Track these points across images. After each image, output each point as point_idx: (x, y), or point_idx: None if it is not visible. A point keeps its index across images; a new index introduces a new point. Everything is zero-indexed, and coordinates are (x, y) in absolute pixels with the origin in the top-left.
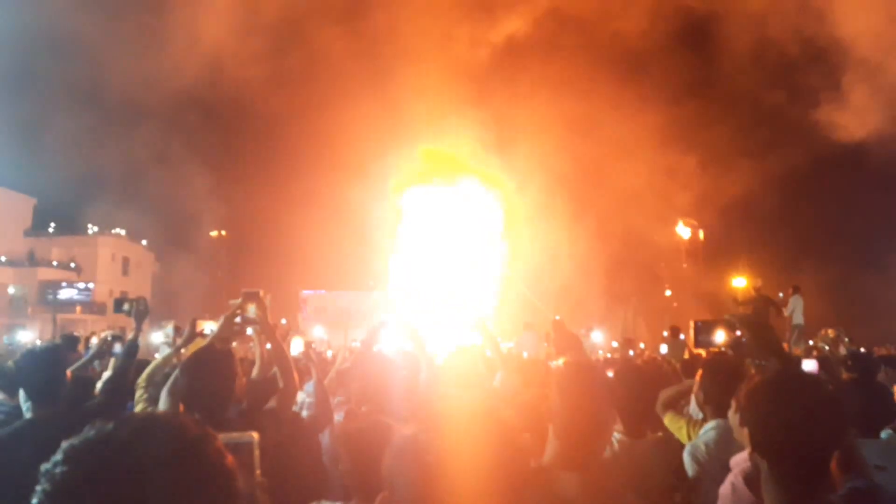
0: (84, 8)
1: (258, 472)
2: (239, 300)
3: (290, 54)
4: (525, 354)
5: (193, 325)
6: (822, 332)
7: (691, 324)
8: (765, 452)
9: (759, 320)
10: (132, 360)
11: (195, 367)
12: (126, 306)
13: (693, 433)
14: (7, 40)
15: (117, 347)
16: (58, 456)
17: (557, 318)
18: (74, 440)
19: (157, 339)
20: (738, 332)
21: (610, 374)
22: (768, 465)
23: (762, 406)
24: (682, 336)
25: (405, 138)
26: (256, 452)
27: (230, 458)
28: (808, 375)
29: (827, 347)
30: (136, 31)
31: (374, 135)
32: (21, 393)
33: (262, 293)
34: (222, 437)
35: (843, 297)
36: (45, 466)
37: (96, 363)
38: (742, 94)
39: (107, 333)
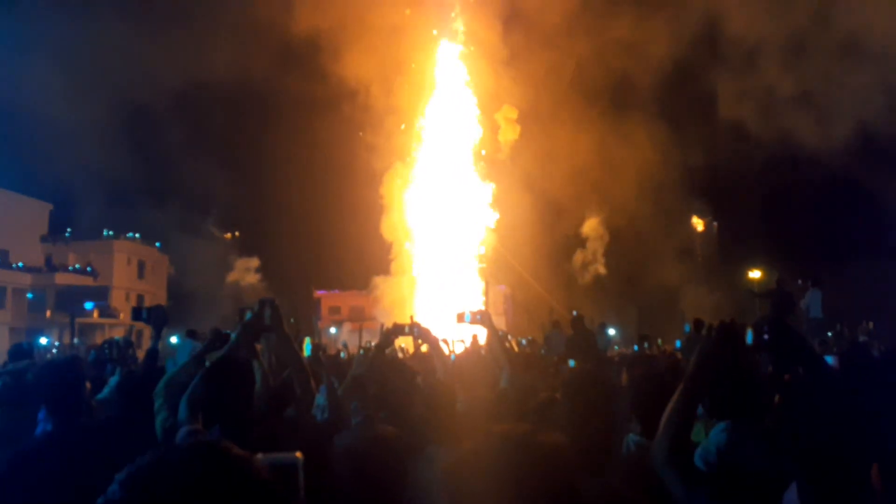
0: (101, 15)
1: (302, 493)
2: (255, 308)
3: (305, 57)
4: (542, 352)
5: (216, 335)
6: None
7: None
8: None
9: (789, 326)
10: (153, 369)
11: (215, 376)
12: (144, 314)
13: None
14: (24, 46)
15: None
16: (114, 485)
17: (575, 313)
18: (131, 468)
19: (173, 341)
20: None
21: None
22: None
23: (800, 417)
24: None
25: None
26: (301, 475)
27: (275, 481)
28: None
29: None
30: (152, 37)
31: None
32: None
33: (276, 300)
34: (267, 458)
35: (864, 289)
36: (101, 498)
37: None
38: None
39: (117, 339)
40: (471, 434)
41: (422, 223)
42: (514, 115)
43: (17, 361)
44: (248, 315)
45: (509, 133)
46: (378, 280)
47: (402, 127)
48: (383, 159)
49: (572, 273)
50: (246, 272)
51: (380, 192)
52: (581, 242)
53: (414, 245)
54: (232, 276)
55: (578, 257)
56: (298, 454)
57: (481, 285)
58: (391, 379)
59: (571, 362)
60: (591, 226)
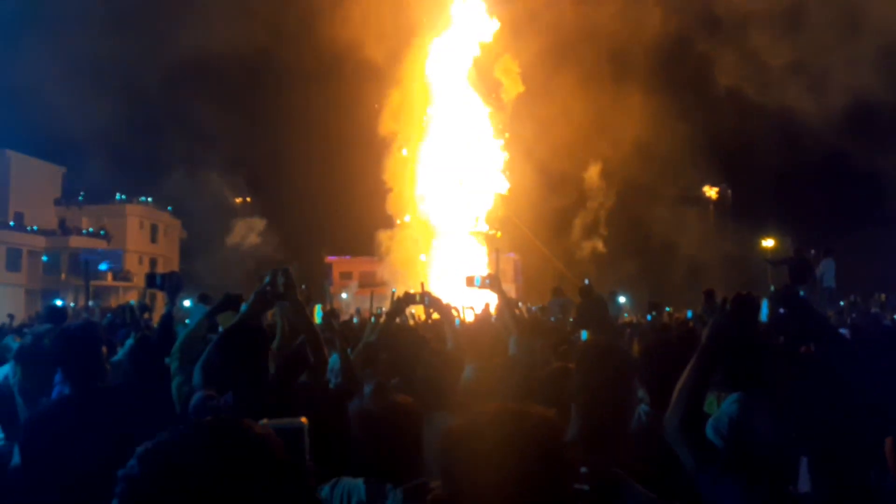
0: None
1: (308, 457)
2: (268, 276)
3: (318, 21)
4: (552, 319)
5: (228, 297)
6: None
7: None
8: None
9: (805, 299)
10: (169, 335)
11: (229, 344)
12: (159, 280)
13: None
14: (36, 12)
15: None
16: (133, 460)
17: (587, 282)
18: (149, 444)
19: (186, 304)
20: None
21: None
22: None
23: (813, 390)
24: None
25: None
26: (306, 440)
27: (292, 460)
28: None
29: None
30: (163, 1)
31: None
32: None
33: (290, 268)
34: (271, 423)
35: (878, 259)
36: (121, 470)
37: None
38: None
39: (132, 303)
40: (478, 402)
41: (431, 190)
42: (515, 68)
43: (52, 321)
44: (271, 277)
45: (512, 89)
46: (383, 236)
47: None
48: (392, 125)
49: (580, 241)
50: (248, 232)
51: (385, 164)
52: (589, 210)
53: (422, 212)
54: (233, 238)
55: (581, 222)
56: (304, 419)
57: (490, 252)
58: (402, 346)
59: (584, 334)
60: (598, 190)
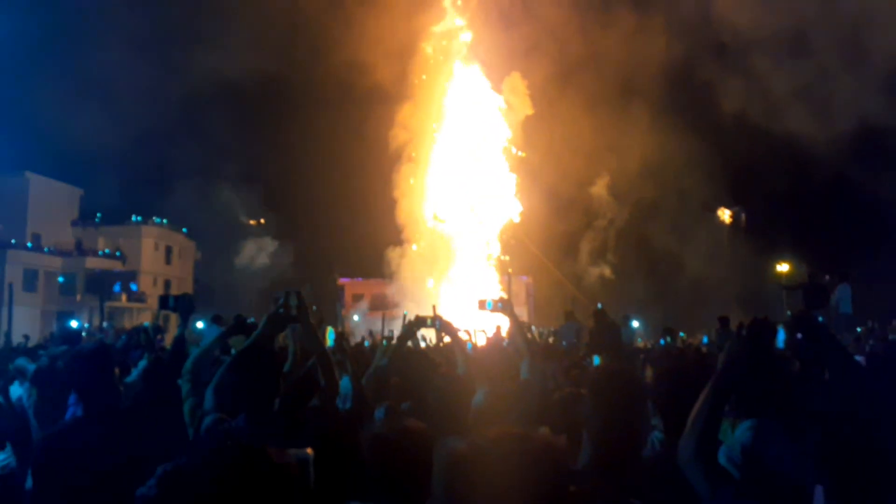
0: (132, 2)
1: (312, 486)
2: (280, 297)
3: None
4: (564, 344)
5: (239, 320)
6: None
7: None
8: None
9: (822, 324)
10: (181, 357)
11: (241, 366)
12: (171, 302)
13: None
14: (53, 35)
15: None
16: (152, 481)
17: (600, 306)
18: (168, 466)
19: (199, 326)
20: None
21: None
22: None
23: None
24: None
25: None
26: (311, 469)
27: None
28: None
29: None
30: (179, 25)
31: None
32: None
33: (302, 290)
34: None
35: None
36: (140, 490)
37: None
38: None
39: (146, 324)
40: (489, 426)
41: (442, 212)
42: (524, 90)
43: (67, 342)
44: (283, 300)
45: (521, 111)
46: (393, 254)
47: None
48: (404, 143)
49: (587, 266)
50: (258, 252)
51: (396, 183)
52: (599, 232)
53: (433, 235)
54: (241, 259)
55: (592, 246)
56: (309, 450)
57: (502, 275)
58: (413, 370)
59: (596, 359)
60: (609, 212)
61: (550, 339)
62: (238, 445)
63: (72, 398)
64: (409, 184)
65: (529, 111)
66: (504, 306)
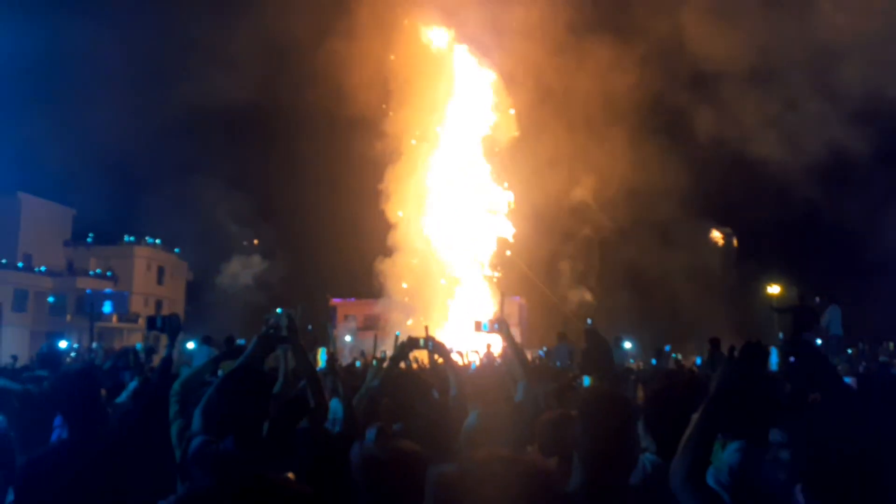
0: (124, 25)
1: None
2: (272, 318)
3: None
4: (559, 364)
5: (230, 342)
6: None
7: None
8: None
9: (813, 346)
10: (167, 378)
11: (230, 387)
12: (159, 323)
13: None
14: (47, 55)
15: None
16: None
17: (590, 322)
18: (172, 499)
19: (190, 346)
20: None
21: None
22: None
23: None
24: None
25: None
26: None
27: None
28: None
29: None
30: (176, 46)
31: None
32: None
33: (293, 311)
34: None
35: (887, 307)
36: None
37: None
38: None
39: (138, 345)
40: (480, 448)
41: (436, 232)
42: (511, 114)
43: (46, 367)
44: (274, 321)
45: (509, 133)
46: (381, 265)
47: (413, 142)
48: (396, 172)
49: (571, 287)
50: (243, 270)
51: (388, 204)
52: (589, 253)
53: (426, 254)
54: (224, 278)
55: (579, 267)
56: (291, 475)
57: (495, 295)
58: (405, 391)
59: (587, 380)
60: (599, 234)
61: (538, 361)
62: (250, 477)
63: (57, 420)
64: (401, 204)
65: (515, 133)
66: (500, 327)
